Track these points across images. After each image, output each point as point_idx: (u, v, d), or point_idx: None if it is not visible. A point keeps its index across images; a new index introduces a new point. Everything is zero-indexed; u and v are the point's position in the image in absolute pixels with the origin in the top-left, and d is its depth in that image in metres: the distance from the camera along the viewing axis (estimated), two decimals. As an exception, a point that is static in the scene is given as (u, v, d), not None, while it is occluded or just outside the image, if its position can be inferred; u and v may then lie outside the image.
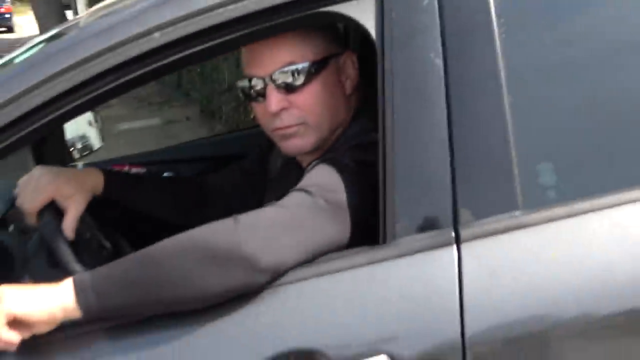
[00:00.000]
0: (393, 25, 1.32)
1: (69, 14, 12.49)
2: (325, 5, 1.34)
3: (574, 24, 1.40)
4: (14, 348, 1.24)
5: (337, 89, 1.58)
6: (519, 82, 1.32)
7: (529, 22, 1.37)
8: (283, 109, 1.52)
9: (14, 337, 1.23)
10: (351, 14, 1.34)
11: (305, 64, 1.51)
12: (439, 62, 1.30)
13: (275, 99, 1.50)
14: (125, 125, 7.79)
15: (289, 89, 1.51)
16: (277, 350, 1.24)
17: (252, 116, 6.43)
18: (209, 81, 8.58)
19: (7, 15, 25.72)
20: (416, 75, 1.31)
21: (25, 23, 22.70)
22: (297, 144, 1.57)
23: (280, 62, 1.50)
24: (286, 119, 1.53)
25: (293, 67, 1.50)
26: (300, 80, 1.50)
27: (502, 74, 1.29)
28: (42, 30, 8.96)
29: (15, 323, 1.23)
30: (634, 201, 1.29)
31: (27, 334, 1.25)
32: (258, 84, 1.54)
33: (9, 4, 26.38)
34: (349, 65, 1.60)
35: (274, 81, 1.50)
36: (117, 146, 2.47)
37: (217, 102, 8.24)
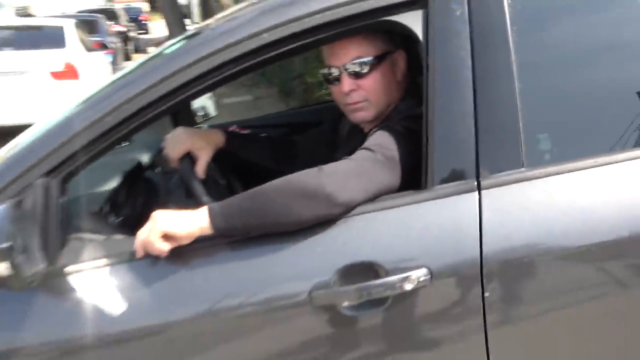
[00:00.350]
0: (434, 31, 1.49)
1: (187, 21, 13.55)
2: (387, 15, 1.53)
3: (564, 32, 1.55)
4: (165, 255, 1.46)
5: (391, 76, 1.76)
6: (525, 73, 1.45)
7: (533, 29, 1.51)
8: (352, 90, 1.72)
9: (165, 247, 1.45)
10: (405, 22, 1.53)
11: (370, 58, 1.71)
12: (468, 57, 1.47)
13: (347, 83, 1.72)
14: (227, 100, 8.55)
15: (357, 75, 1.72)
16: (347, 262, 1.42)
17: (314, 95, 6.66)
18: (284, 70, 9.05)
19: (144, 22, 29.70)
20: (450, 67, 1.47)
21: (157, 27, 24.75)
22: (362, 115, 1.77)
23: (351, 56, 1.70)
24: (355, 97, 1.74)
25: (360, 60, 1.71)
26: (365, 69, 1.71)
27: (514, 67, 1.46)
28: (170, 31, 11.32)
29: (165, 237, 1.45)
30: (606, 164, 1.44)
31: (173, 245, 1.46)
32: (335, 72, 1.74)
33: (146, 14, 30.91)
34: (400, 59, 1.78)
35: (346, 70, 1.71)
36: (222, 114, 2.69)
37: (290, 85, 8.77)
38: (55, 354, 1.50)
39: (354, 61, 1.71)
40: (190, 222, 1.47)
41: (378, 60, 1.73)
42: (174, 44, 1.83)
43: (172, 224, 1.46)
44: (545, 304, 1.47)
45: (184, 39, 1.81)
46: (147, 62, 1.74)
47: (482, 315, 1.43)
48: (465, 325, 1.46)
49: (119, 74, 1.80)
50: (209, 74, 1.55)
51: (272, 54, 1.57)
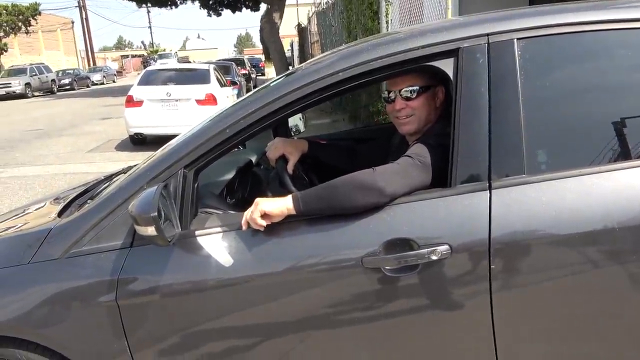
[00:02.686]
0: (462, 73, 1.46)
1: (290, 67, 14.19)
2: (429, 61, 1.52)
3: (558, 76, 1.49)
4: (263, 228, 1.48)
5: (431, 102, 1.72)
6: (528, 105, 1.42)
7: (536, 73, 1.45)
8: (402, 108, 1.71)
9: (264, 223, 1.47)
10: (441, 66, 1.52)
11: (417, 87, 1.68)
12: (486, 92, 1.44)
13: (399, 103, 1.71)
14: (313, 122, 8.84)
15: (407, 98, 1.70)
16: (390, 237, 1.42)
17: (375, 119, 6.62)
18: (354, 101, 9.06)
19: (262, 67, 30.65)
20: (472, 99, 1.44)
21: (270, 71, 25.88)
22: (407, 128, 1.73)
23: (405, 84, 1.69)
24: (403, 113, 1.71)
25: (411, 88, 1.68)
26: (414, 95, 1.69)
27: (520, 101, 1.42)
28: (278, 74, 11.72)
29: (264, 216, 1.47)
30: (588, 174, 1.39)
31: (268, 222, 1.48)
32: (392, 95, 1.73)
33: (263, 62, 32.00)
34: (440, 92, 1.73)
35: (400, 94, 1.70)
36: (309, 131, 2.73)
37: (358, 112, 8.68)
38: (186, 289, 1.54)
39: (407, 88, 1.70)
40: (281, 205, 1.48)
41: (423, 90, 1.70)
42: (276, 79, 1.85)
43: (268, 206, 1.48)
44: (536, 276, 1.42)
45: (283, 76, 1.82)
46: (257, 92, 1.75)
47: (489, 282, 1.40)
48: (475, 288, 1.42)
49: (238, 100, 1.82)
50: (299, 101, 1.56)
51: (345, 87, 1.56)
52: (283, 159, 1.89)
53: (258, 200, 1.50)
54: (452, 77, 1.49)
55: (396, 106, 1.72)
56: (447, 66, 1.52)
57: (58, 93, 27.13)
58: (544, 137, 1.46)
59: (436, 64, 1.52)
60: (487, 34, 1.47)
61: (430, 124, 1.74)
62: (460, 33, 1.50)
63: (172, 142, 1.78)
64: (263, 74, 29.64)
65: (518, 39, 1.45)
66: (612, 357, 1.46)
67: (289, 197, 1.49)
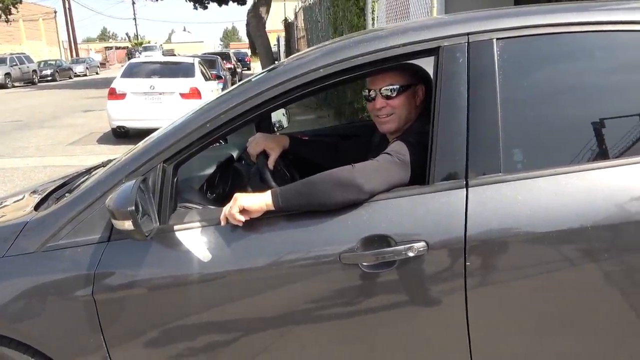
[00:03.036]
0: (442, 72, 1.47)
1: (276, 62, 14.24)
2: (410, 59, 1.52)
3: (536, 77, 1.50)
4: (241, 224, 1.48)
5: (412, 101, 1.72)
6: (506, 105, 1.43)
7: (513, 74, 1.46)
8: (382, 107, 1.71)
9: (242, 218, 1.47)
10: (422, 65, 1.51)
11: (397, 85, 1.68)
12: (465, 92, 1.44)
13: (379, 101, 1.71)
14: (297, 117, 8.90)
15: (387, 97, 1.70)
16: (368, 234, 1.42)
17: (360, 116, 6.64)
18: (339, 97, 9.05)
19: (248, 62, 30.52)
20: (451, 98, 1.45)
21: (256, 66, 25.48)
22: (387, 126, 1.74)
23: (385, 83, 1.69)
24: (384, 112, 1.71)
25: (391, 87, 1.68)
26: (394, 93, 1.69)
27: (498, 100, 1.43)
28: (264, 68, 11.03)
29: (243, 211, 1.47)
30: (562, 173, 1.40)
31: (248, 217, 1.48)
32: (372, 93, 1.73)
33: (249, 57, 32.08)
34: (419, 90, 1.73)
35: (381, 93, 1.70)
36: (293, 127, 2.71)
37: (343, 108, 8.68)
38: (163, 284, 1.53)
39: (387, 87, 1.70)
40: (260, 201, 1.48)
41: (404, 89, 1.70)
42: (259, 74, 1.83)
43: (247, 201, 1.48)
44: (511, 274, 1.43)
45: (266, 71, 1.80)
46: (239, 87, 1.74)
47: (464, 279, 1.41)
48: (451, 285, 1.44)
49: (220, 94, 1.81)
50: (282, 96, 1.56)
51: (327, 83, 1.56)
52: (264, 155, 1.88)
53: (237, 195, 1.50)
54: (432, 76, 1.49)
55: (376, 105, 1.73)
56: (428, 64, 1.52)
57: (39, 84, 26.68)
58: (521, 136, 1.47)
59: (418, 62, 1.52)
60: (468, 34, 1.47)
61: (411, 122, 1.74)
62: (441, 32, 1.50)
63: (153, 136, 1.76)
64: (249, 69, 29.51)
65: (497, 39, 1.46)
66: (585, 353, 1.48)
67: (268, 193, 1.49)
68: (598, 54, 1.51)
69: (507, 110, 1.44)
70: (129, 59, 31.92)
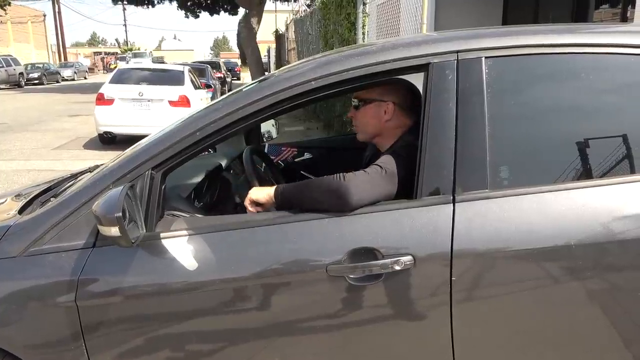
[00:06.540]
0: (432, 87, 1.48)
1: (267, 73, 14.14)
2: (400, 75, 1.53)
3: (522, 94, 1.52)
4: (254, 213, 1.62)
5: (376, 116, 1.77)
6: (494, 122, 1.45)
7: (501, 91, 1.48)
8: (352, 116, 1.84)
9: (252, 209, 1.64)
10: (411, 80, 1.53)
11: (361, 99, 1.79)
12: (454, 108, 1.46)
13: (351, 111, 1.84)
14: (287, 128, 8.94)
15: (355, 108, 1.82)
16: (355, 246, 1.43)
17: (349, 129, 6.68)
18: (329, 109, 9.09)
19: (237, 72, 30.47)
20: (441, 114, 1.46)
21: (246, 76, 25.57)
22: (358, 135, 1.86)
23: (356, 95, 1.81)
24: (354, 122, 1.84)
25: (357, 99, 1.81)
26: (358, 106, 1.81)
27: (486, 117, 1.45)
28: (254, 79, 11.26)
29: (255, 203, 1.63)
30: (547, 191, 1.42)
31: (259, 209, 1.64)
32: (354, 102, 1.82)
33: (239, 67, 32.16)
34: (386, 107, 1.75)
35: (352, 103, 1.82)
36: (282, 138, 2.72)
37: (332, 120, 8.73)
38: (148, 292, 1.52)
39: (354, 99, 1.81)
40: (266, 194, 1.62)
41: (364, 103, 1.79)
42: (249, 85, 1.84)
43: (257, 195, 1.64)
44: (495, 289, 1.45)
45: (256, 82, 1.81)
46: (229, 96, 1.74)
47: (449, 292, 1.42)
48: (436, 298, 1.44)
49: (211, 102, 1.81)
50: (271, 107, 1.56)
51: (317, 95, 1.58)
52: (252, 160, 1.89)
53: (253, 190, 1.66)
54: (421, 92, 1.51)
55: (350, 113, 1.85)
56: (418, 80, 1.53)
57: (26, 87, 26.39)
58: (508, 154, 1.49)
59: (407, 78, 1.54)
60: (457, 51, 1.49)
61: (399, 136, 1.76)
62: (431, 49, 1.52)
63: (141, 142, 1.76)
64: (238, 79, 29.52)
65: (486, 57, 1.48)
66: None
67: (273, 188, 1.61)
68: (584, 75, 1.54)
69: (494, 128, 1.46)
70: (109, 66, 31.75)
